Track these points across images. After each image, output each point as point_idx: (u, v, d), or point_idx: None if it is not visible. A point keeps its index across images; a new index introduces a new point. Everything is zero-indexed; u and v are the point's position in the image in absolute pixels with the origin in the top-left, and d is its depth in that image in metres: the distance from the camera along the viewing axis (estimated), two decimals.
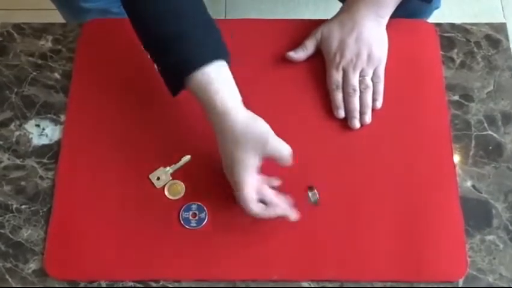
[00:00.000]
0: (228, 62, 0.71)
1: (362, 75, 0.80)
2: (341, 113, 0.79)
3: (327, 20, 0.84)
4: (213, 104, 0.68)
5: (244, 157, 0.68)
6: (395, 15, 0.85)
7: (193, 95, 0.70)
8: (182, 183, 0.76)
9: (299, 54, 0.82)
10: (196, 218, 0.74)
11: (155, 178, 0.76)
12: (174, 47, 0.69)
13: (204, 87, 0.68)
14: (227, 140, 0.69)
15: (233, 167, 0.69)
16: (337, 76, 0.80)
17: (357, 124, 0.78)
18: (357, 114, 0.79)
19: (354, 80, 0.79)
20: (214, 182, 0.76)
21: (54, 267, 0.72)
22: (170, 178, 0.76)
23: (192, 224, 0.73)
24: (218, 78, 0.69)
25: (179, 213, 0.74)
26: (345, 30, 0.80)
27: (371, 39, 0.80)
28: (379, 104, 0.80)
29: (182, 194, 0.75)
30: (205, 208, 0.74)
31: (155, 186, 0.75)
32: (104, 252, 0.72)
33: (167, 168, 0.76)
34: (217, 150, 0.76)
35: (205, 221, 0.73)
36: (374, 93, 0.80)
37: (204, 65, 0.68)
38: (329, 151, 0.78)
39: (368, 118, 0.79)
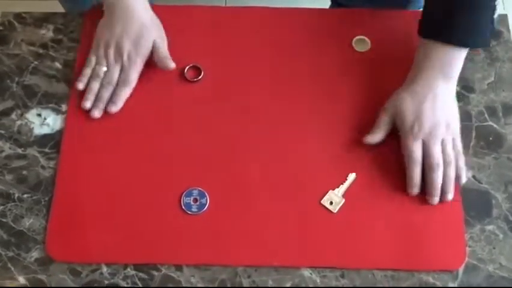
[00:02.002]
0: None
1: (443, 145, 0.74)
2: (416, 191, 0.74)
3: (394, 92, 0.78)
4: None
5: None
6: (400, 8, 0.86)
7: None
8: None
9: (376, 137, 0.76)
10: (197, 203, 0.74)
11: None
12: None
13: None
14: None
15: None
16: (417, 148, 0.73)
17: (436, 201, 0.73)
18: (438, 192, 0.73)
19: (437, 151, 0.73)
20: (216, 167, 0.76)
21: (56, 249, 0.72)
22: None
23: (193, 209, 0.74)
24: None
25: (180, 198, 0.74)
26: (418, 100, 0.75)
27: (448, 108, 0.75)
28: (463, 180, 0.75)
29: None
30: (206, 193, 0.74)
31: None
32: (105, 237, 0.72)
33: None
34: (217, 135, 0.76)
35: (206, 207, 0.74)
36: (457, 168, 0.74)
37: None
38: (329, 140, 0.78)
39: (450, 196, 0.73)
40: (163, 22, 0.82)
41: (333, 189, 0.75)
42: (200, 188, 0.75)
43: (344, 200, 0.74)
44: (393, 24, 0.82)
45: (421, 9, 0.79)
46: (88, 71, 0.80)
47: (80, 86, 0.80)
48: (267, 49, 0.84)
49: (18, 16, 0.87)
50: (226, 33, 0.82)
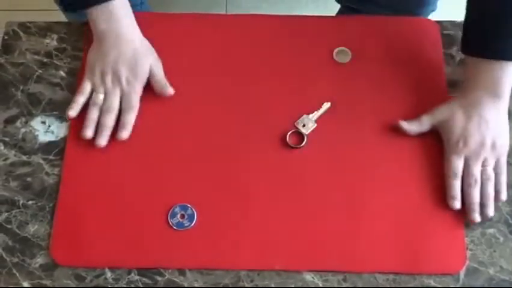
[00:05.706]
0: None
1: (483, 165, 0.75)
2: (457, 204, 0.74)
3: (448, 99, 0.80)
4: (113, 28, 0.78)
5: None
6: (395, 14, 0.86)
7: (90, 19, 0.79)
8: None
9: (412, 127, 0.78)
10: (186, 217, 0.74)
11: None
12: None
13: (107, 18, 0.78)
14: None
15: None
16: (458, 163, 0.75)
17: (478, 218, 0.73)
18: (477, 207, 0.74)
19: (476, 170, 0.74)
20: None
21: (60, 254, 0.73)
22: None
23: (185, 225, 0.74)
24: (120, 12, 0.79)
25: (167, 218, 0.74)
26: (467, 116, 0.75)
27: (495, 127, 0.75)
28: (504, 196, 0.75)
29: None
30: (188, 205, 0.75)
31: None
32: (109, 242, 0.73)
33: None
34: (213, 140, 0.77)
35: (196, 217, 0.74)
36: (497, 184, 0.75)
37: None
38: (331, 142, 0.79)
39: (491, 211, 0.74)
40: (162, 30, 0.83)
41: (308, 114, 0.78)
42: (180, 203, 0.75)
43: (316, 124, 0.77)
44: (394, 31, 0.83)
45: (417, 16, 0.80)
46: (81, 99, 0.79)
47: (73, 113, 0.78)
48: (269, 56, 0.84)
49: (23, 25, 0.88)
50: (227, 41, 0.83)
